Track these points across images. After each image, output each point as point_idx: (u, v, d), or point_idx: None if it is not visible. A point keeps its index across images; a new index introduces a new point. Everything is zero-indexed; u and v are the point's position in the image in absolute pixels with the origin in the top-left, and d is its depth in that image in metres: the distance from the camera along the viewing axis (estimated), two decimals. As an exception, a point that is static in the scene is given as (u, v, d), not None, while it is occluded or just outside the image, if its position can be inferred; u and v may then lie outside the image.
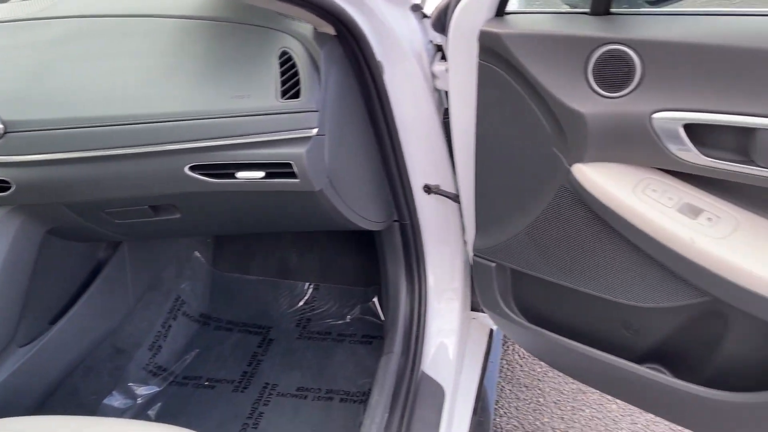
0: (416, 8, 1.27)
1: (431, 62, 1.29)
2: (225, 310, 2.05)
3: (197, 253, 2.07)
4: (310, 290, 2.04)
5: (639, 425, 1.84)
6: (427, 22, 1.28)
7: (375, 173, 1.40)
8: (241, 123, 1.18)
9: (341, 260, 2.04)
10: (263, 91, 1.18)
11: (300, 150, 1.17)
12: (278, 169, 1.19)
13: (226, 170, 1.23)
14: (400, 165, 1.36)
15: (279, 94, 1.17)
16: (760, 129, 0.84)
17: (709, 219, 0.93)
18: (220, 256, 2.12)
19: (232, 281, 2.09)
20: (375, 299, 1.97)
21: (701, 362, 1.12)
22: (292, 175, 1.19)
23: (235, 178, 1.22)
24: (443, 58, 1.28)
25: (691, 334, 1.10)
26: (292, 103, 1.16)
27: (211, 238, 2.12)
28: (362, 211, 1.36)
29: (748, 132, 0.86)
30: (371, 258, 1.73)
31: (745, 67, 0.85)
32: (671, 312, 1.07)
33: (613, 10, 0.97)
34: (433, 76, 1.29)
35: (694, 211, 0.95)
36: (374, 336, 1.87)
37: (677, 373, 1.17)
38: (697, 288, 0.97)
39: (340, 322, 1.96)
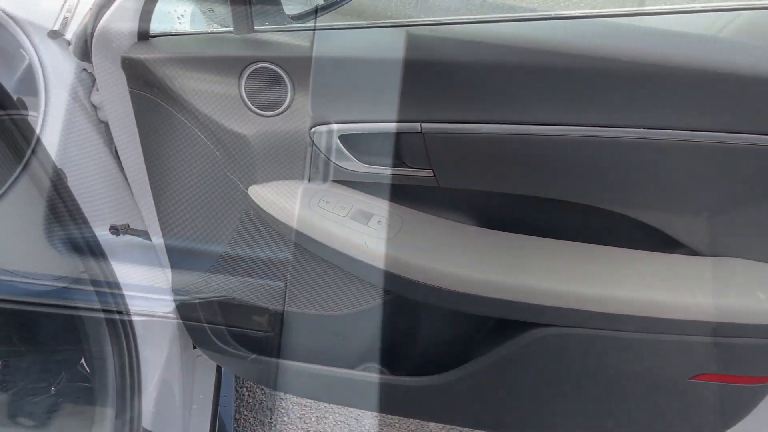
0: (55, 35, 1.12)
1: (90, 92, 1.15)
2: None
3: None
4: None
5: (377, 417, 1.92)
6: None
7: (43, 225, 1.20)
8: None
9: (33, 323, 1.76)
10: None
11: None
12: None
13: None
14: (73, 210, 1.20)
15: None
16: (403, 133, 0.91)
17: (379, 222, 0.98)
18: None
19: None
20: (83, 360, 1.73)
21: (406, 354, 1.19)
22: None
23: None
24: (101, 87, 1.16)
25: (392, 330, 1.17)
26: None
27: None
28: (30, 271, 1.17)
29: (396, 137, 0.92)
30: (72, 314, 1.51)
31: (385, 76, 0.90)
32: (368, 313, 1.11)
33: (258, 28, 0.96)
34: (95, 107, 1.16)
35: (365, 216, 0.99)
36: (89, 403, 1.65)
37: (390, 369, 1.23)
38: (379, 288, 1.02)
39: (43, 397, 1.68)
